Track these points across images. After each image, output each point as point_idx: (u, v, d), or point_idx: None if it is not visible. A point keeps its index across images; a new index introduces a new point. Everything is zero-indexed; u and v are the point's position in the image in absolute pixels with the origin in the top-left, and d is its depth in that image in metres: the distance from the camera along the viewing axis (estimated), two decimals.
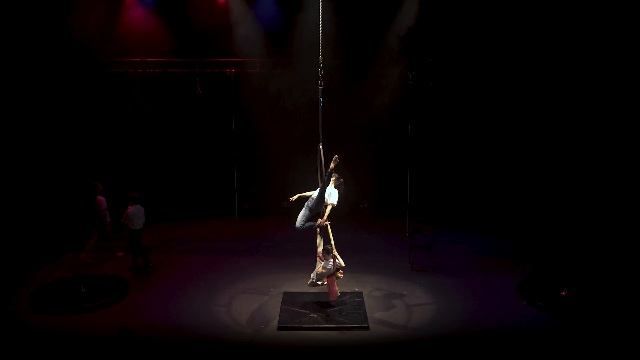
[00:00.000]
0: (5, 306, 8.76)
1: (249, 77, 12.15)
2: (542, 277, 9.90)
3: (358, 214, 13.64)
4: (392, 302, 9.02)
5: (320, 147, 8.02)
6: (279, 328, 8.11)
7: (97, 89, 12.01)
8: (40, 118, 11.26)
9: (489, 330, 8.04)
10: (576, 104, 12.04)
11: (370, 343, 7.74)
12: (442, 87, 12.30)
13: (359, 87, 12.66)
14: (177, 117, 13.13)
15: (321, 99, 8.19)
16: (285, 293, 9.19)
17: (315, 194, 8.13)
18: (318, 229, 8.36)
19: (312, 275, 8.44)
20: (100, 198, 10.54)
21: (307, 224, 8.13)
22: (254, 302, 9.00)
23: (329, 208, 8.22)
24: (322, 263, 8.25)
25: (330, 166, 7.72)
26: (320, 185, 8.03)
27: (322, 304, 8.72)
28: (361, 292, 9.25)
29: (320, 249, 8.37)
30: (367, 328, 8.09)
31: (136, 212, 10.08)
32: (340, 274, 8.35)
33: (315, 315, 8.42)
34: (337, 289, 8.41)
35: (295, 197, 8.60)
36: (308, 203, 8.12)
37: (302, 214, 8.12)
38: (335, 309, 8.60)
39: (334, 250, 8.15)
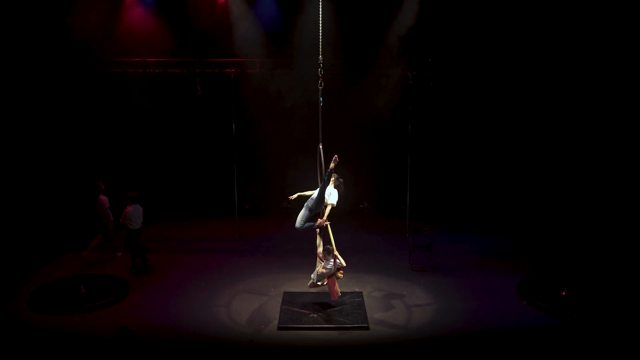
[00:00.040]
0: (5, 306, 8.76)
1: (249, 77, 12.15)
2: (542, 277, 9.90)
3: (358, 214, 13.65)
4: (392, 302, 9.02)
5: (320, 147, 8.03)
6: (279, 328, 8.11)
7: (97, 89, 12.01)
8: (40, 118, 11.26)
9: (489, 330, 8.04)
10: (576, 104, 12.04)
11: (370, 343, 7.74)
12: (442, 87, 12.29)
13: (359, 87, 12.65)
14: (177, 117, 13.12)
15: (321, 99, 8.19)
16: (285, 293, 9.19)
17: (315, 194, 8.13)
18: (318, 229, 8.36)
19: (312, 276, 8.43)
20: (103, 197, 10.58)
21: (307, 224, 8.13)
22: (254, 302, 9.00)
23: (328, 208, 8.21)
24: (322, 263, 8.24)
25: (330, 166, 7.72)
26: (320, 185, 8.04)
27: (322, 304, 8.72)
28: (361, 292, 9.25)
29: (320, 249, 8.37)
30: (367, 328, 8.10)
31: (135, 212, 10.08)
32: (340, 274, 8.35)
33: (315, 315, 8.42)
34: (338, 289, 8.41)
35: (295, 195, 8.60)
36: (308, 203, 8.12)
37: (302, 214, 8.11)
38: (335, 309, 8.60)
39: (335, 250, 8.15)
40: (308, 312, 8.53)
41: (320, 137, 8.12)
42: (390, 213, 13.71)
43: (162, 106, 12.84)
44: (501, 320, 8.37)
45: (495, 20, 11.81)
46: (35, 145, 11.25)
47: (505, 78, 12.20)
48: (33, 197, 11.20)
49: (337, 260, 8.17)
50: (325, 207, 8.21)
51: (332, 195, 8.26)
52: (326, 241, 8.33)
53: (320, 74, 8.13)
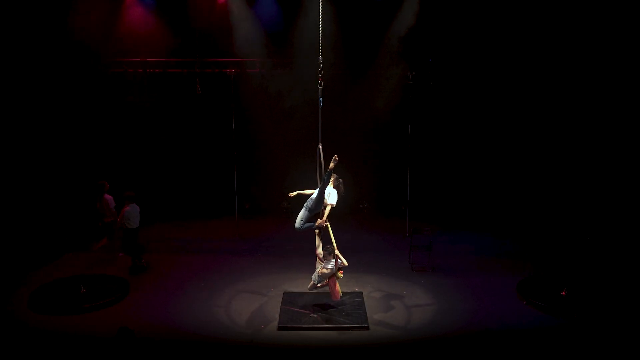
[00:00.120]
0: (5, 306, 8.76)
1: (249, 77, 12.16)
2: (542, 277, 9.90)
3: (358, 214, 13.65)
4: (392, 302, 9.02)
5: (320, 147, 8.02)
6: (279, 328, 8.11)
7: (98, 88, 12.01)
8: (40, 118, 11.27)
9: (489, 330, 8.04)
10: (576, 104, 12.04)
11: (370, 343, 7.74)
12: (442, 87, 12.30)
13: (359, 87, 12.66)
14: (178, 117, 13.12)
15: (321, 99, 8.18)
16: (285, 293, 9.19)
17: (314, 194, 8.12)
18: (317, 230, 8.36)
19: (312, 277, 8.38)
20: (108, 196, 10.59)
21: (307, 225, 8.10)
22: (254, 302, 9.00)
23: (328, 208, 8.20)
24: (323, 264, 8.23)
25: (330, 166, 7.71)
26: (319, 185, 8.04)
27: (322, 304, 8.72)
28: (361, 292, 9.25)
29: (319, 250, 8.36)
30: (367, 328, 8.10)
31: (132, 211, 10.08)
32: (340, 274, 8.34)
33: (315, 316, 8.42)
34: (340, 289, 8.40)
35: (295, 193, 8.58)
36: (307, 203, 8.10)
37: (302, 214, 8.09)
38: (335, 309, 8.60)
39: (336, 250, 8.14)
40: (308, 312, 8.53)
41: (320, 137, 8.11)
42: (390, 213, 13.71)
43: (162, 106, 12.84)
44: (501, 320, 8.37)
45: (495, 20, 11.82)
46: (36, 145, 11.25)
47: (505, 78, 12.20)
48: (33, 197, 11.20)
49: (339, 260, 8.16)
50: (325, 207, 8.20)
51: (331, 196, 8.24)
52: (325, 242, 8.32)
53: (320, 74, 8.12)
